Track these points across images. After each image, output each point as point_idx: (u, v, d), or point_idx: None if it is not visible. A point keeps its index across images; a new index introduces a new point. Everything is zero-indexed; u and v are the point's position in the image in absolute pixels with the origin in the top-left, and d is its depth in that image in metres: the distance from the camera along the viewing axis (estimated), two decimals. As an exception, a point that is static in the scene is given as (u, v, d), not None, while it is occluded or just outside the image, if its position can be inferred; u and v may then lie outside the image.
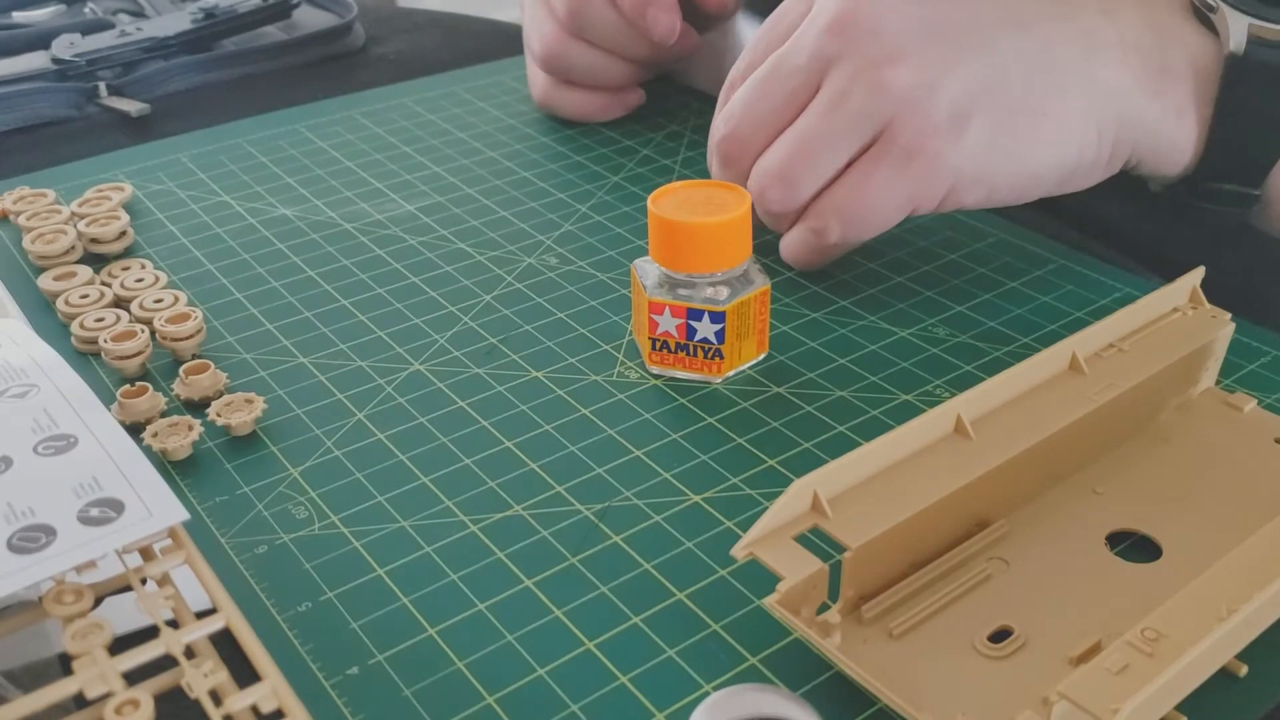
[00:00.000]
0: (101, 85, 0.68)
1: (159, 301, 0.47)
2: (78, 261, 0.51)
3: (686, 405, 0.42)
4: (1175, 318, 0.39)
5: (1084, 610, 0.32)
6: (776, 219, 0.45)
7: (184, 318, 0.45)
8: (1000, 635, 0.31)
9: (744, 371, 0.43)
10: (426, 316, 0.47)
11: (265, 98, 0.68)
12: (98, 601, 0.30)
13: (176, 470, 0.39)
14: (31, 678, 0.31)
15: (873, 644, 0.31)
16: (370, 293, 0.49)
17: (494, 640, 0.33)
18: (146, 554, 0.31)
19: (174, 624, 0.30)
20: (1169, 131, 0.43)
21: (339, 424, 0.41)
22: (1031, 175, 0.43)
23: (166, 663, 0.29)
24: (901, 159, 0.42)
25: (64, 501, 0.31)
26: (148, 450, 0.39)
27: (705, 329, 0.41)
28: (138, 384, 0.42)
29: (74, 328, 0.45)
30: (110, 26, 0.74)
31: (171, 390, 0.43)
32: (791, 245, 0.46)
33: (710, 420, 0.41)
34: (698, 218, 0.40)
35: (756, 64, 0.46)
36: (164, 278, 0.49)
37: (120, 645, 0.29)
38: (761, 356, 0.44)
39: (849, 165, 0.43)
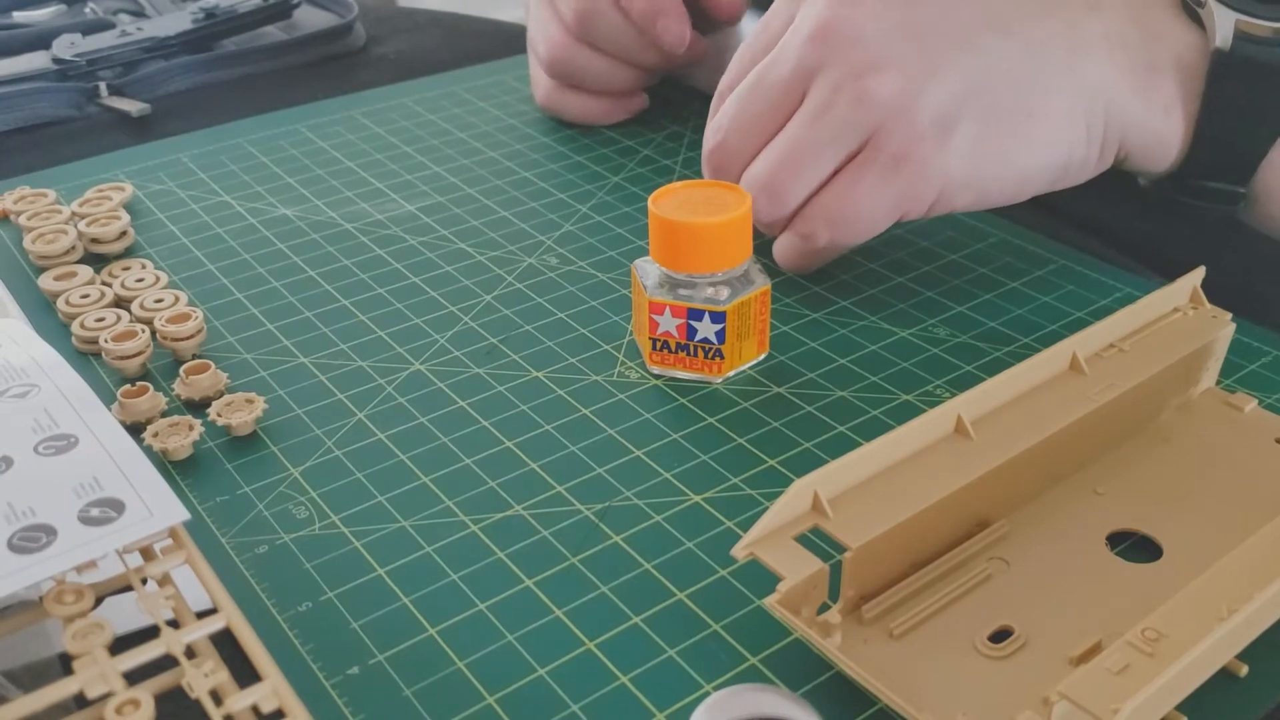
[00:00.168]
0: (102, 85, 0.68)
1: (159, 301, 0.47)
2: (78, 261, 0.51)
3: (687, 405, 0.42)
4: (1176, 318, 0.39)
5: (1084, 610, 0.32)
6: (768, 226, 0.46)
7: (184, 318, 0.45)
8: (1000, 635, 0.31)
9: (744, 371, 0.43)
10: (427, 316, 0.47)
11: (266, 98, 0.68)
12: (98, 601, 0.30)
13: (177, 470, 0.39)
14: (32, 677, 0.31)
15: (873, 644, 0.31)
16: (371, 293, 0.49)
17: (494, 640, 0.33)
18: (147, 554, 0.31)
19: (174, 624, 0.30)
20: (1156, 127, 0.43)
21: (339, 424, 0.41)
22: (1021, 177, 0.43)
23: (167, 663, 0.29)
24: (889, 166, 0.42)
25: (64, 501, 0.31)
26: (148, 450, 0.39)
27: (706, 329, 0.41)
28: (138, 384, 0.42)
29: (74, 328, 0.45)
30: (111, 26, 0.74)
31: (172, 390, 0.43)
32: (781, 250, 0.46)
33: (711, 420, 0.41)
34: (698, 218, 0.40)
35: (743, 74, 0.46)
36: (164, 278, 0.49)
37: (121, 645, 0.29)
38: (762, 356, 0.44)
39: (837, 172, 0.43)
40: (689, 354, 0.42)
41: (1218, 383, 0.41)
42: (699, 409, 0.41)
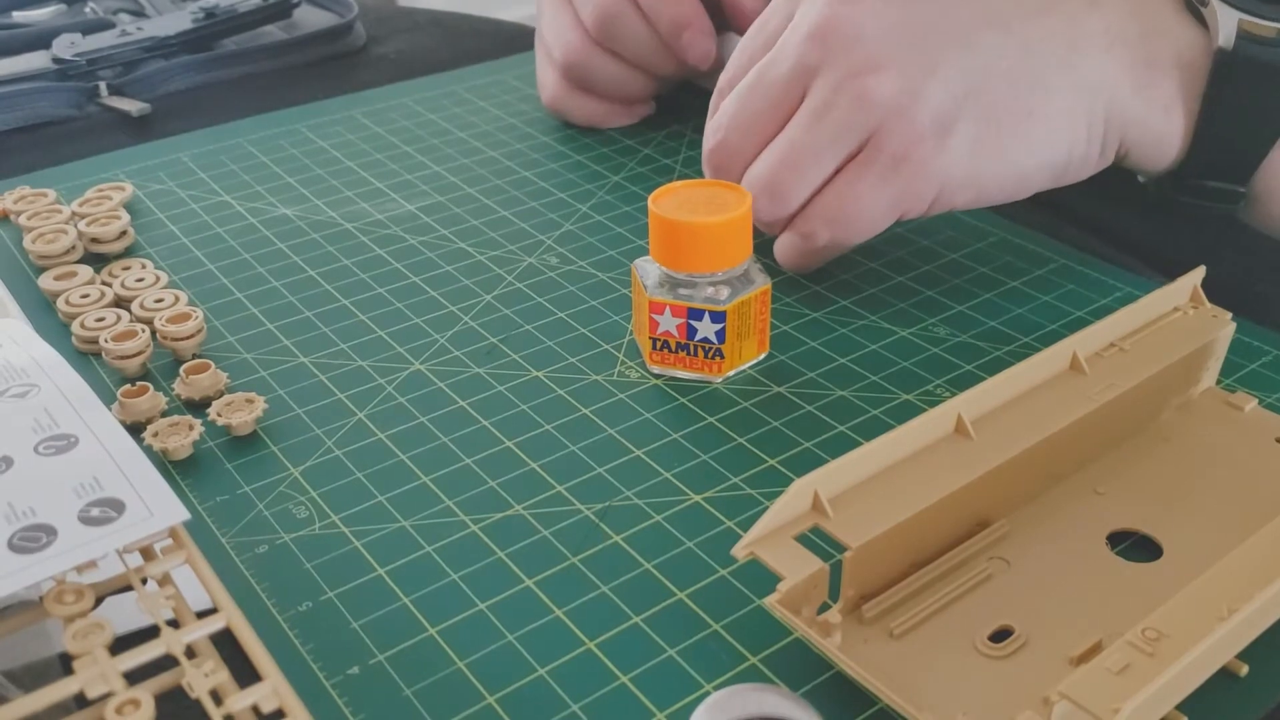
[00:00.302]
0: (102, 85, 0.68)
1: (159, 301, 0.47)
2: (78, 261, 0.51)
3: (687, 405, 0.42)
4: (1176, 317, 0.39)
5: (1085, 610, 0.32)
6: (769, 226, 0.46)
7: (184, 317, 0.45)
8: (1001, 635, 0.31)
9: (744, 371, 0.43)
10: (427, 316, 0.47)
11: (266, 97, 0.68)
12: (98, 601, 0.30)
13: (177, 470, 0.39)
14: (32, 677, 0.31)
15: (873, 644, 0.31)
16: (371, 292, 0.49)
17: (494, 640, 0.33)
18: (147, 554, 0.31)
19: (175, 624, 0.30)
20: (1156, 125, 0.43)
21: (339, 424, 0.41)
22: (1020, 175, 0.43)
23: (167, 662, 0.29)
24: (888, 166, 0.42)
25: (65, 501, 0.31)
26: (148, 450, 0.39)
27: (706, 328, 0.41)
28: (138, 384, 0.42)
29: (74, 327, 0.45)
30: (111, 26, 0.74)
31: (172, 390, 0.43)
32: (782, 249, 0.46)
33: (711, 420, 0.41)
34: (698, 217, 0.40)
35: (742, 72, 0.46)
36: (164, 277, 0.49)
37: (121, 645, 0.29)
38: (762, 356, 0.44)
39: (837, 172, 0.43)
40: (689, 353, 0.42)
41: (1218, 382, 0.41)
42: (699, 408, 0.41)
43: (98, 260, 0.51)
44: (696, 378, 0.43)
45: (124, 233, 0.51)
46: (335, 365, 0.44)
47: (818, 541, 0.34)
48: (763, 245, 0.46)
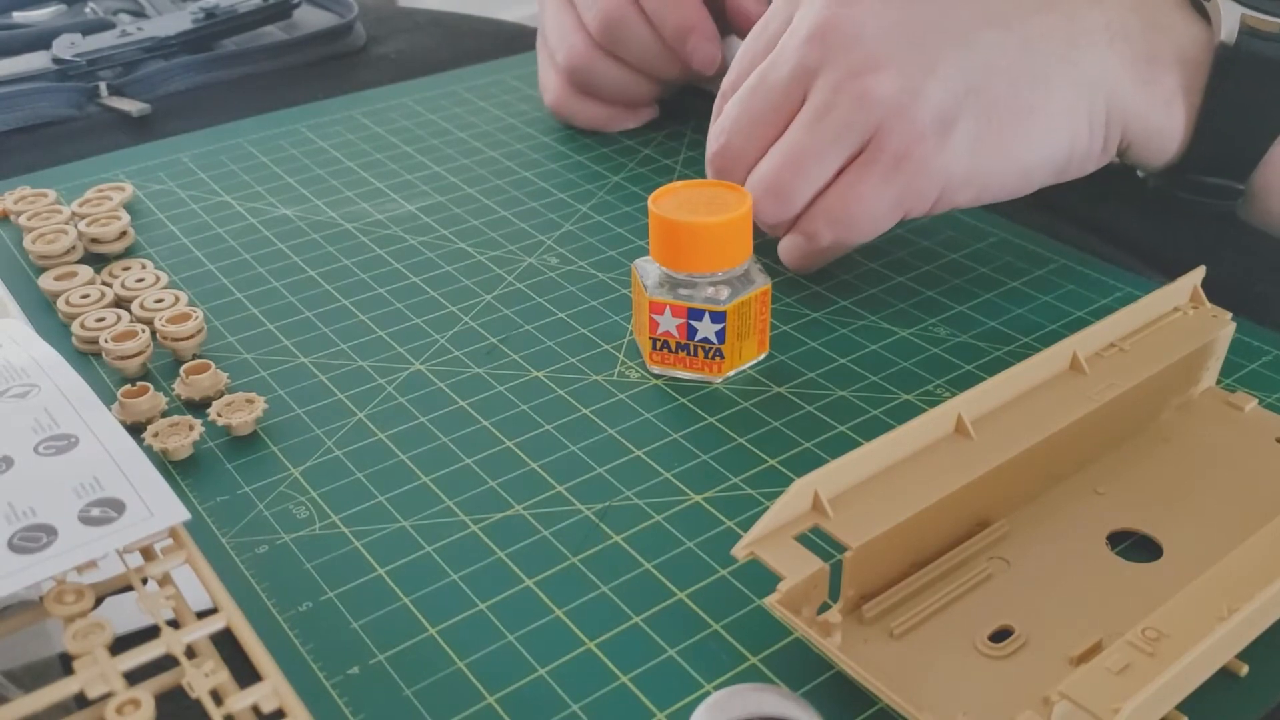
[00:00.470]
0: (102, 85, 0.68)
1: (160, 301, 0.47)
2: (78, 261, 0.51)
3: (687, 405, 0.42)
4: (1176, 317, 0.39)
5: (1085, 610, 0.32)
6: (772, 227, 0.46)
7: (185, 318, 0.45)
8: (1001, 635, 0.31)
9: (745, 371, 0.43)
10: (427, 316, 0.47)
11: (266, 97, 0.68)
12: (98, 601, 0.30)
13: (177, 470, 0.39)
14: (32, 677, 0.31)
15: (873, 644, 0.31)
16: (371, 292, 0.49)
17: (495, 640, 0.33)
18: (147, 554, 0.31)
19: (175, 624, 0.30)
20: (1157, 120, 0.43)
21: (340, 424, 0.41)
22: (1022, 172, 0.43)
23: (167, 662, 0.29)
24: (890, 166, 0.42)
25: (65, 501, 0.31)
26: (148, 450, 0.39)
27: (706, 329, 0.41)
28: (138, 384, 0.42)
29: (75, 327, 0.45)
30: (111, 26, 0.74)
31: (172, 390, 0.43)
32: (786, 250, 0.46)
33: (711, 420, 0.41)
34: (699, 217, 0.40)
35: (743, 76, 0.46)
36: (164, 278, 0.49)
37: (121, 645, 0.29)
38: (762, 356, 0.44)
39: (841, 172, 0.43)
40: (689, 354, 0.42)
41: (1218, 382, 0.40)
42: (699, 409, 0.41)
43: (98, 260, 0.51)
44: (696, 378, 0.43)
45: (124, 233, 0.51)
46: (335, 365, 0.44)
47: (818, 541, 0.34)
48: (762, 245, 0.46)
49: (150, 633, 0.30)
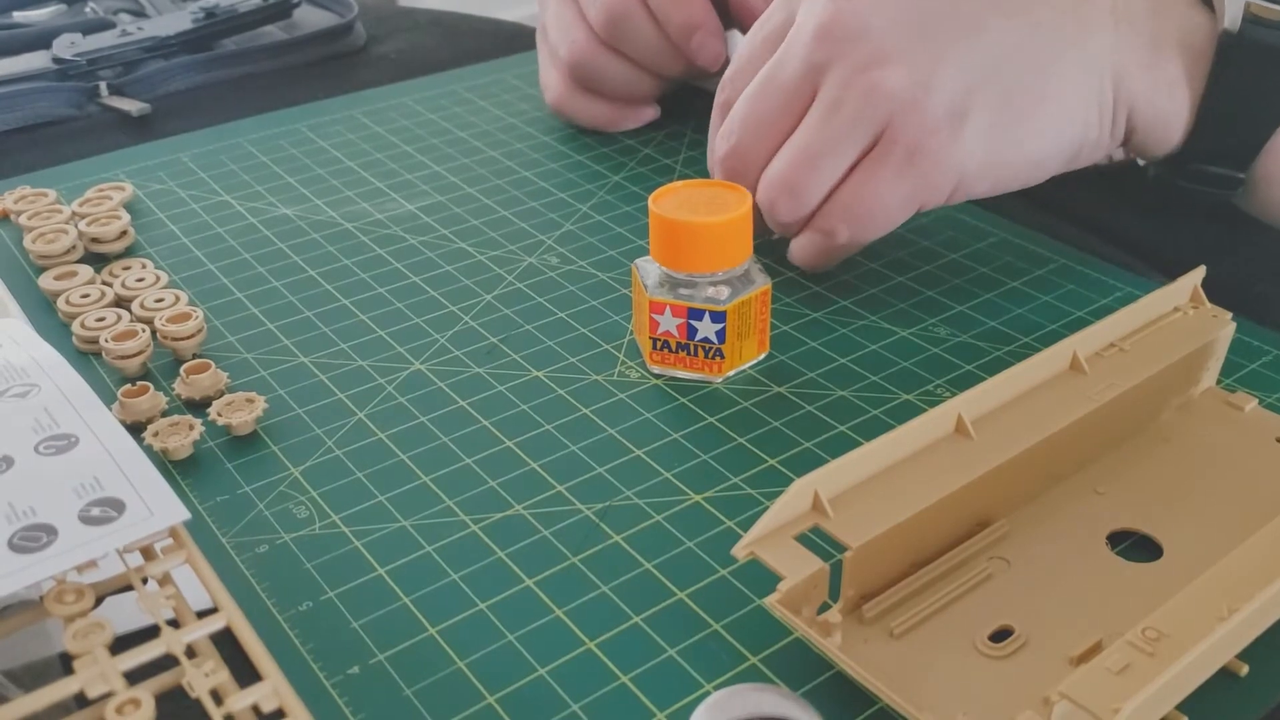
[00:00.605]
0: (102, 85, 0.68)
1: (160, 301, 0.47)
2: (78, 261, 0.51)
3: (687, 405, 0.42)
4: (1176, 317, 0.39)
5: (1085, 610, 0.32)
6: (786, 226, 0.45)
7: (185, 317, 0.45)
8: (1001, 635, 0.31)
9: (745, 371, 0.43)
10: (427, 316, 0.47)
11: (266, 97, 0.68)
12: (99, 601, 0.30)
13: (177, 470, 0.39)
14: (32, 677, 0.31)
15: (873, 643, 0.31)
16: (371, 292, 0.49)
17: (495, 640, 0.33)
18: (147, 553, 0.31)
19: (175, 623, 0.30)
20: (1162, 105, 0.43)
21: (340, 423, 0.41)
22: (1037, 161, 0.43)
23: (167, 662, 0.29)
24: (904, 159, 0.42)
25: (65, 501, 0.31)
26: (148, 450, 0.39)
27: (706, 328, 0.41)
28: (139, 383, 0.42)
29: (75, 327, 0.45)
30: (111, 26, 0.74)
31: (172, 390, 0.43)
32: (801, 249, 0.46)
33: (711, 420, 0.41)
34: (699, 217, 0.40)
35: (744, 73, 0.46)
36: (165, 277, 0.49)
37: (121, 645, 0.29)
38: (762, 356, 0.44)
39: (854, 167, 0.43)
40: (689, 353, 0.42)
41: (1218, 382, 0.40)
42: (699, 408, 0.41)
43: (98, 260, 0.51)
44: (696, 378, 0.43)
45: (124, 233, 0.51)
46: (335, 365, 0.44)
47: (818, 541, 0.33)
48: (763, 245, 0.46)
49: (150, 632, 0.30)
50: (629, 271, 0.48)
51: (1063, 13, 0.42)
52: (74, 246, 0.51)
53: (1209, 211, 0.47)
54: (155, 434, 0.40)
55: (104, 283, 0.49)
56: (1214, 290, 0.40)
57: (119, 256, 0.51)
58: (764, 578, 0.31)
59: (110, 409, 0.37)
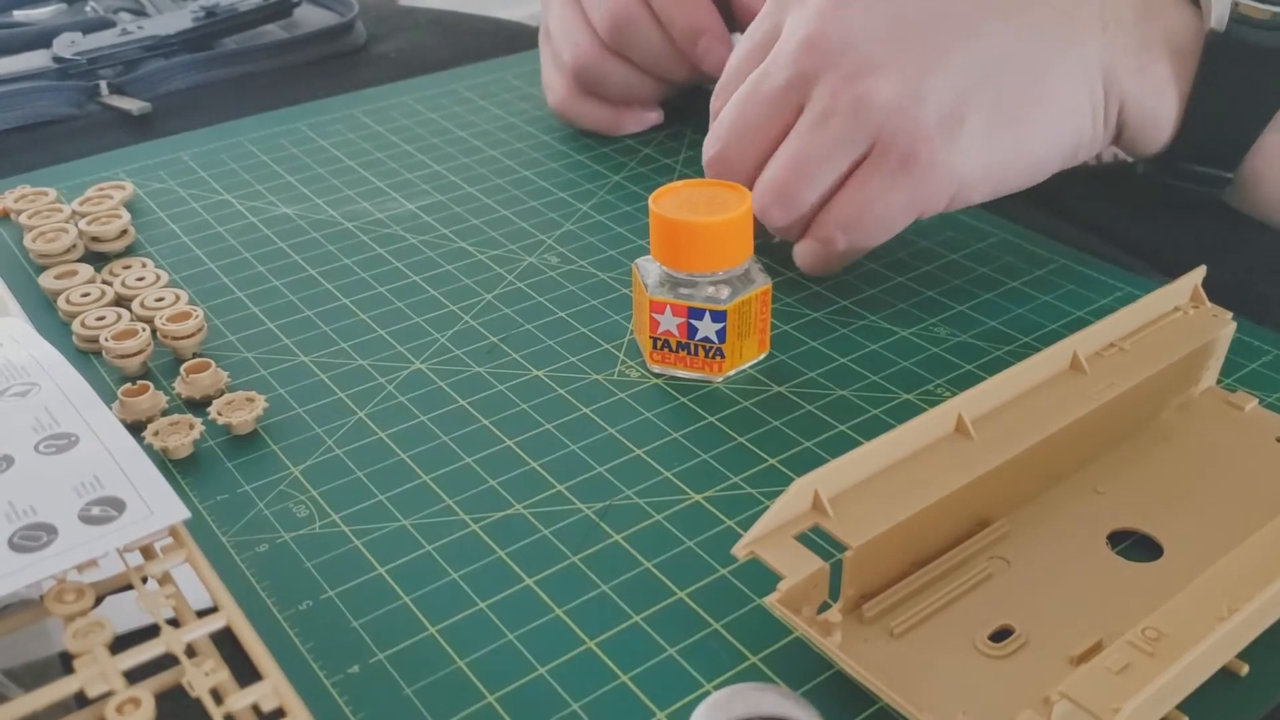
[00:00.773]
0: (102, 84, 0.68)
1: (160, 300, 0.47)
2: (79, 260, 0.51)
3: (687, 404, 0.42)
4: (1176, 317, 0.39)
5: (1085, 609, 0.32)
6: (785, 230, 0.45)
7: (185, 316, 0.45)
8: (1001, 634, 0.31)
9: (745, 371, 0.43)
10: (427, 315, 0.47)
11: (266, 96, 0.68)
12: (99, 600, 0.30)
13: (177, 469, 0.39)
14: (32, 676, 0.31)
15: (873, 643, 0.31)
16: (371, 291, 0.49)
17: (495, 639, 0.33)
18: (147, 552, 0.31)
19: (175, 623, 0.30)
20: (1151, 106, 0.43)
21: (340, 422, 0.41)
22: (1035, 163, 0.43)
23: (167, 661, 0.29)
24: (898, 168, 0.41)
25: (65, 500, 0.31)
26: (149, 449, 0.39)
27: (706, 328, 0.41)
28: (139, 382, 0.42)
29: (75, 326, 0.45)
30: (111, 25, 0.74)
31: (172, 389, 0.43)
32: (803, 255, 0.46)
33: (711, 419, 0.41)
34: (699, 217, 0.40)
35: (735, 79, 0.46)
36: (165, 276, 0.49)
37: (121, 644, 0.29)
38: (762, 356, 0.44)
39: (850, 176, 0.43)
40: (689, 353, 0.42)
41: (1218, 382, 0.41)
42: (699, 408, 0.41)
43: (98, 259, 0.51)
44: (697, 377, 0.43)
45: (124, 232, 0.51)
46: (335, 364, 0.44)
47: (818, 541, 0.33)
48: (763, 245, 0.46)
49: (150, 631, 0.30)
50: (629, 271, 0.48)
51: (1053, 16, 0.42)
52: (74, 245, 0.51)
53: (1207, 211, 0.47)
54: (155, 433, 0.40)
55: (104, 282, 0.49)
56: (1214, 290, 0.40)
57: (119, 255, 0.51)
58: (764, 577, 0.31)
59: (110, 408, 0.37)
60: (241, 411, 0.41)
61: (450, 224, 0.54)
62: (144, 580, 0.31)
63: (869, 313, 0.46)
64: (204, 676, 0.28)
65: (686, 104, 0.64)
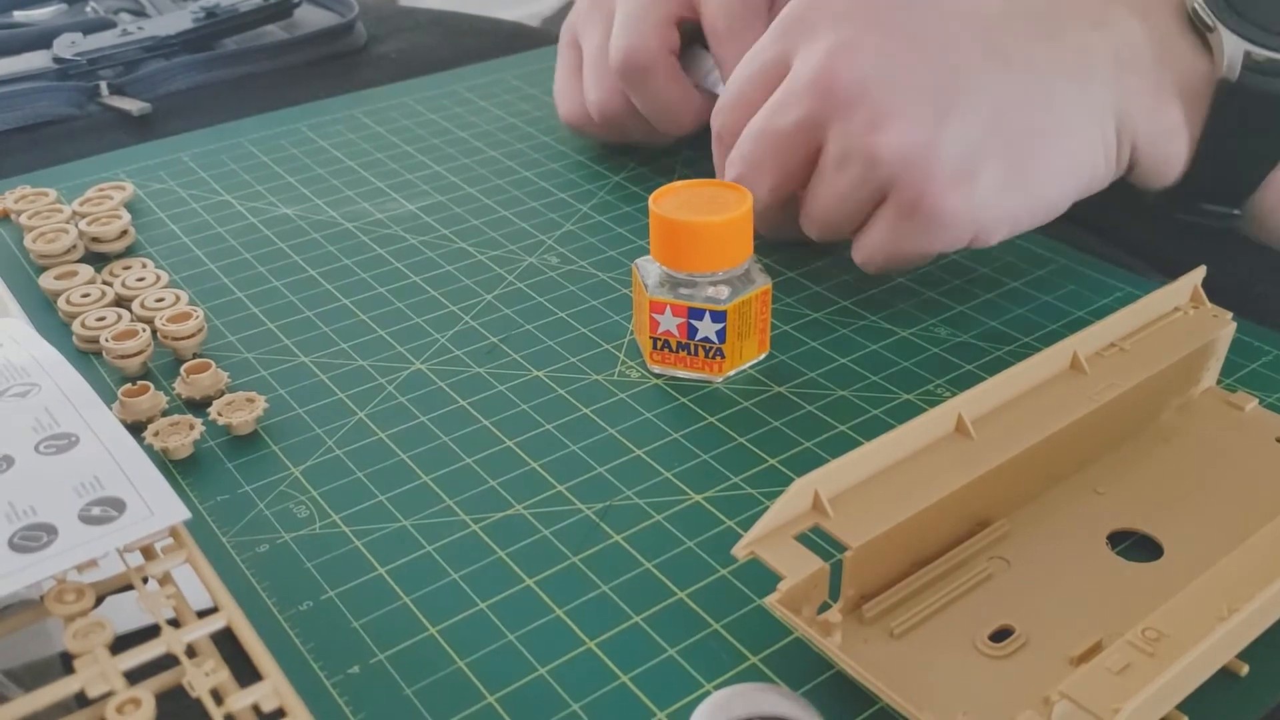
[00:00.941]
0: (103, 84, 0.68)
1: (160, 300, 0.47)
2: (79, 261, 0.51)
3: (687, 404, 0.42)
4: (1176, 317, 0.39)
5: (1085, 610, 0.32)
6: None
7: (185, 317, 0.45)
8: (1001, 635, 0.31)
9: (745, 371, 0.43)
10: (427, 316, 0.47)
11: (266, 97, 0.68)
12: (99, 600, 0.30)
13: (178, 469, 0.39)
14: (33, 676, 0.31)
15: (874, 643, 0.31)
16: (371, 292, 0.49)
17: (495, 639, 0.33)
18: (148, 553, 0.31)
19: (175, 623, 0.30)
20: (1163, 145, 0.43)
21: (340, 423, 0.41)
22: (1051, 205, 0.43)
23: (168, 662, 0.29)
24: (914, 217, 0.41)
25: (65, 500, 0.31)
26: (149, 449, 0.39)
27: (706, 328, 0.41)
28: (139, 383, 0.42)
29: (75, 327, 0.45)
30: (111, 25, 0.74)
31: (173, 389, 0.43)
32: (861, 254, 0.45)
33: (711, 419, 0.41)
34: (699, 217, 0.40)
35: (738, 109, 0.45)
36: (165, 277, 0.49)
37: (121, 644, 0.29)
38: (762, 356, 0.44)
39: (874, 214, 0.43)
40: (689, 353, 0.42)
41: (1219, 382, 0.41)
42: (699, 408, 0.41)
43: (98, 260, 0.51)
44: (697, 377, 0.43)
45: (125, 232, 0.51)
46: (336, 365, 0.44)
47: (818, 541, 0.34)
48: (763, 246, 0.46)
49: (151, 632, 0.30)
50: (629, 271, 0.48)
51: (1063, 56, 0.42)
52: (74, 246, 0.51)
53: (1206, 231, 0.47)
54: (155, 433, 0.40)
55: (104, 282, 0.49)
56: (1214, 290, 0.40)
57: (119, 256, 0.51)
58: (764, 577, 0.31)
59: (110, 408, 0.37)
60: (242, 412, 0.41)
61: (450, 224, 0.54)
62: (144, 580, 0.31)
63: (869, 313, 0.46)
64: (204, 677, 0.28)
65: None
